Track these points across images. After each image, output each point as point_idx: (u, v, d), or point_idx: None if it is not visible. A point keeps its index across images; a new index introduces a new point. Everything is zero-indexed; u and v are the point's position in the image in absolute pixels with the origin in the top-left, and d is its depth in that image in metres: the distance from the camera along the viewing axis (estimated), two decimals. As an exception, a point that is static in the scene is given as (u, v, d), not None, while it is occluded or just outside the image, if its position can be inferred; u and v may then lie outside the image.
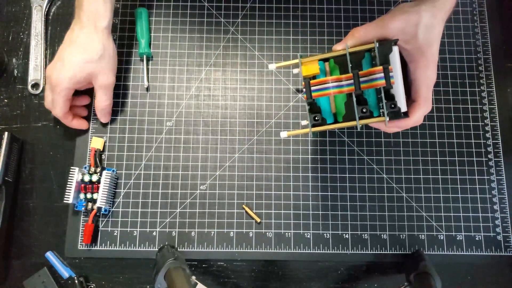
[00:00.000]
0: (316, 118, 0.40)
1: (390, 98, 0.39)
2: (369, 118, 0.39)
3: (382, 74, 0.37)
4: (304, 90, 0.40)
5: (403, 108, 0.39)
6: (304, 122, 0.42)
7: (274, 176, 0.52)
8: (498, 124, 0.54)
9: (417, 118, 0.41)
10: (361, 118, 0.39)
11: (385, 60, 0.38)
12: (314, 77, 0.40)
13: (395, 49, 0.39)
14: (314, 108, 0.41)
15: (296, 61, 0.40)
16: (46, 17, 0.57)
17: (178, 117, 0.54)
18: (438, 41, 0.40)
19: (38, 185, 0.52)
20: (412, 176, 0.52)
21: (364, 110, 0.38)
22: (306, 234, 0.51)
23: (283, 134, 0.42)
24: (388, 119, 0.38)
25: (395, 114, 0.39)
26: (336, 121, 0.41)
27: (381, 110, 0.39)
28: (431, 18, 0.39)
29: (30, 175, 0.52)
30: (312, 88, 0.39)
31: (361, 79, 0.38)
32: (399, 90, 0.39)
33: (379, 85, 0.38)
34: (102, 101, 0.51)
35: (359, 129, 0.40)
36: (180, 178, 0.52)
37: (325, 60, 0.41)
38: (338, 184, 0.52)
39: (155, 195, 0.51)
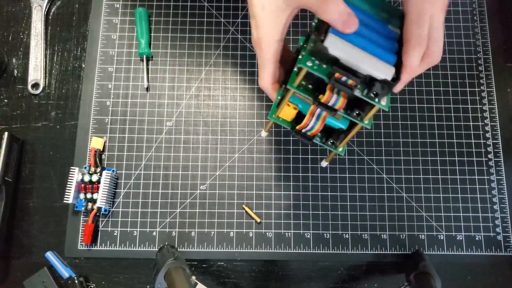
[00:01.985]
0: (333, 142, 0.38)
1: (371, 87, 0.32)
2: (369, 112, 0.34)
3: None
4: (298, 137, 0.38)
5: (388, 75, 0.32)
6: (324, 164, 0.43)
7: (274, 176, 0.52)
8: (498, 124, 0.54)
9: (412, 64, 0.33)
10: (360, 116, 0.35)
11: (323, 58, 0.32)
12: (298, 119, 0.37)
13: (330, 37, 0.31)
14: (324, 133, 0.38)
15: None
16: (46, 17, 0.57)
17: (178, 117, 0.54)
18: None
19: (38, 185, 0.52)
20: (412, 176, 0.52)
21: (357, 113, 0.35)
22: (306, 234, 0.51)
23: (324, 164, 0.45)
24: (384, 100, 0.33)
25: (387, 87, 0.32)
26: (350, 125, 0.38)
27: (375, 100, 0.33)
28: None
29: (30, 175, 0.52)
30: (304, 130, 0.37)
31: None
32: (372, 59, 0.32)
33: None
34: None
35: (370, 128, 0.37)
36: (180, 178, 0.52)
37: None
38: (338, 184, 0.52)
39: (155, 195, 0.51)
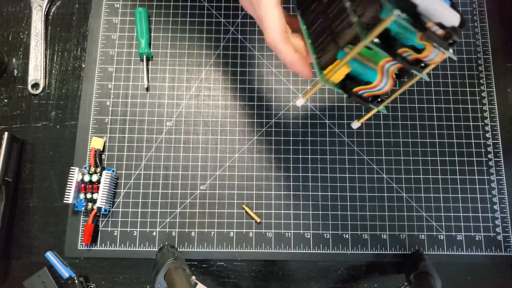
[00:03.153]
0: (381, 99, 0.33)
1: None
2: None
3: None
4: (353, 100, 0.33)
5: (455, 21, 0.29)
6: (355, 125, 0.36)
7: (274, 176, 0.52)
8: (498, 124, 0.54)
9: None
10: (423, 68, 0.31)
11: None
12: (348, 81, 0.32)
13: None
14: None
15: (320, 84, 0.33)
16: (46, 17, 0.57)
17: (178, 117, 0.54)
18: None
19: (38, 185, 0.52)
20: (412, 176, 0.52)
21: (423, 65, 0.31)
22: (306, 234, 0.51)
23: (355, 125, 0.37)
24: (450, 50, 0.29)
25: (456, 33, 0.28)
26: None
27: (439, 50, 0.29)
28: None
29: (30, 175, 0.52)
30: (370, 92, 0.32)
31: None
32: (444, 5, 0.28)
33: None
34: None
35: (428, 79, 0.32)
36: (180, 178, 0.52)
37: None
38: (338, 184, 0.52)
39: (155, 195, 0.51)
